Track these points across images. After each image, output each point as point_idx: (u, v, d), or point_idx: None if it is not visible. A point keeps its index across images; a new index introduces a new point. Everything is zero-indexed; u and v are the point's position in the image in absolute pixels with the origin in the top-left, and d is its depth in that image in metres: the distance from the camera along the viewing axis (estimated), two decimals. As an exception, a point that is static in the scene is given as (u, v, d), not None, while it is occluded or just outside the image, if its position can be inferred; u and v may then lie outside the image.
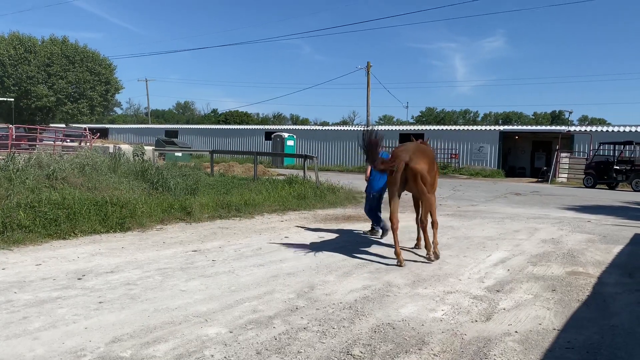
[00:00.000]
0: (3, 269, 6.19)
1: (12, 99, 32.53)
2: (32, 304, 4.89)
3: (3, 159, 13.06)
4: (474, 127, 37.28)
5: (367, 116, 40.95)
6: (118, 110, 65.95)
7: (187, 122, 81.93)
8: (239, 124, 68.13)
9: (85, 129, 28.82)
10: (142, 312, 4.76)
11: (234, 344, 4.06)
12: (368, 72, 39.81)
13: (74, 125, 39.11)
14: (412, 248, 8.26)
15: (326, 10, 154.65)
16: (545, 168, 31.30)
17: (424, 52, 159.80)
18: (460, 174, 32.43)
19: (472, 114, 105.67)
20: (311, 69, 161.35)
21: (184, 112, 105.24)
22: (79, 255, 7.04)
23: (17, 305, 4.86)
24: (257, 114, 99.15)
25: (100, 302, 4.99)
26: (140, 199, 10.72)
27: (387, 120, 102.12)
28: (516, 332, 4.55)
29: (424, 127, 39.05)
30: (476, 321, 4.81)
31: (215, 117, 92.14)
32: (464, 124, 72.12)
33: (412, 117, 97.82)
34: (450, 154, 34.25)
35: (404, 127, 40.36)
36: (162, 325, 4.42)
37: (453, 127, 37.99)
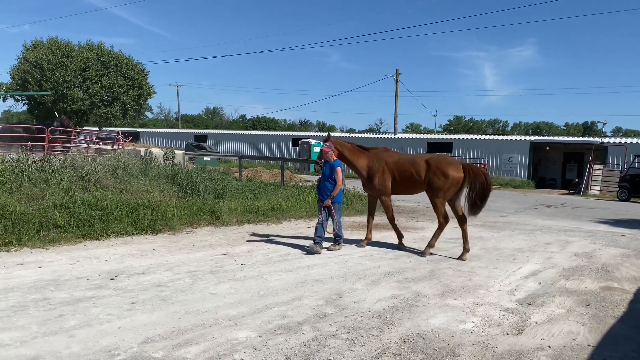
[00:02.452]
0: (39, 267, 6.37)
1: (50, 94, 33.48)
2: (68, 303, 5.02)
3: (39, 160, 13.41)
4: (504, 137, 36.72)
5: (395, 124, 40.81)
6: (149, 115, 67.30)
7: (216, 128, 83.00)
8: (266, 129, 68.72)
9: (118, 132, 29.47)
10: (174, 313, 4.83)
11: (264, 349, 4.08)
12: (397, 79, 39.68)
13: (106, 128, 40.06)
14: (458, 257, 8.28)
15: (355, 19, 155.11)
16: (577, 180, 30.61)
17: (453, 60, 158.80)
18: (488, 184, 31.97)
19: (501, 124, 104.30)
20: (338, 76, 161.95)
21: (213, 118, 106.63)
22: (111, 256, 7.20)
23: (53, 303, 5.00)
24: (284, 120, 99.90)
25: (132, 303, 5.09)
26: (170, 202, 10.89)
27: (414, 128, 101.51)
28: (549, 347, 4.46)
29: (452, 136, 38.68)
30: (507, 334, 4.73)
31: (243, 122, 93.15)
32: (493, 134, 71.15)
33: (440, 126, 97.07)
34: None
35: (432, 136, 40.04)
36: (193, 328, 4.47)
37: (482, 137, 37.50)
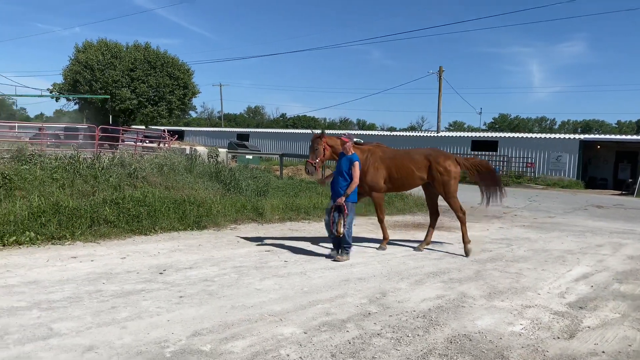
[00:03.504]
0: (92, 261, 6.61)
1: (108, 97, 34.69)
2: (119, 295, 5.19)
3: (90, 157, 13.92)
4: (552, 135, 35.56)
5: (438, 122, 40.20)
6: (193, 114, 68.68)
7: (257, 126, 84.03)
8: (307, 128, 68.99)
9: (163, 130, 30.25)
10: (220, 308, 4.92)
11: (309, 345, 4.10)
12: (440, 76, 39.08)
13: (153, 127, 41.17)
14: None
15: (397, 16, 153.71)
16: (630, 180, 29.31)
17: (498, 56, 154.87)
18: (535, 183, 31.04)
19: (548, 122, 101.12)
20: (380, 74, 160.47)
21: (254, 116, 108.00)
22: (159, 251, 7.39)
23: (105, 295, 5.17)
24: (324, 119, 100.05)
25: (180, 297, 5.21)
26: (215, 198, 11.10)
27: (457, 126, 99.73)
28: (603, 352, 4.29)
29: (497, 134, 37.73)
30: (558, 338, 4.58)
31: (283, 121, 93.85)
32: (540, 132, 69.09)
33: (485, 124, 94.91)
34: (526, 163, 32.86)
35: (476, 134, 39.21)
36: (239, 322, 4.54)
37: (528, 135, 36.41)
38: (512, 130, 70.50)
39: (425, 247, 8.57)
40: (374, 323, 4.72)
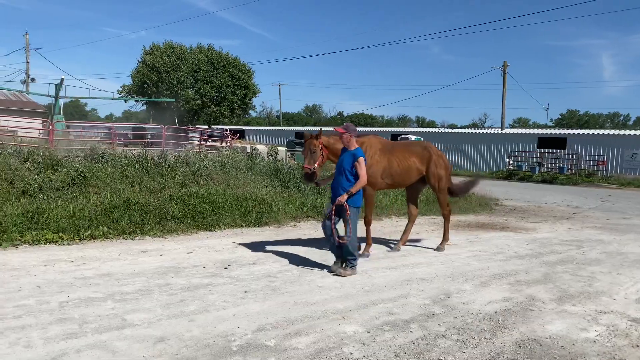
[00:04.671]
0: (161, 255, 6.88)
1: (173, 100, 36.21)
2: (187, 289, 5.36)
3: (157, 156, 14.49)
4: (626, 132, 33.50)
5: (502, 118, 38.93)
6: (252, 113, 70.14)
7: (315, 125, 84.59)
8: (364, 126, 68.69)
9: (225, 130, 31.10)
10: (283, 304, 4.98)
11: (372, 344, 4.07)
12: (504, 71, 37.80)
13: (215, 126, 42.41)
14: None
15: (458, 10, 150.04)
16: None
17: (566, 50, 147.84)
18: (607, 183, 29.38)
19: (621, 117, 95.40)
20: (439, 70, 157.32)
21: (311, 115, 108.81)
22: (223, 246, 7.59)
23: (174, 288, 5.37)
24: (382, 117, 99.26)
25: (245, 292, 5.32)
26: (275, 196, 11.27)
27: (522, 123, 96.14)
28: (690, 364, 3.99)
29: (565, 131, 36.05)
30: (638, 346, 4.31)
31: (340, 119, 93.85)
32: (612, 128, 65.37)
33: (551, 120, 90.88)
34: (597, 161, 31.16)
35: (543, 131, 37.64)
36: (302, 319, 4.58)
37: (600, 132, 34.48)
38: (581, 127, 67.13)
39: (402, 245, 8.05)
40: (438, 324, 4.62)
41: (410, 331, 4.42)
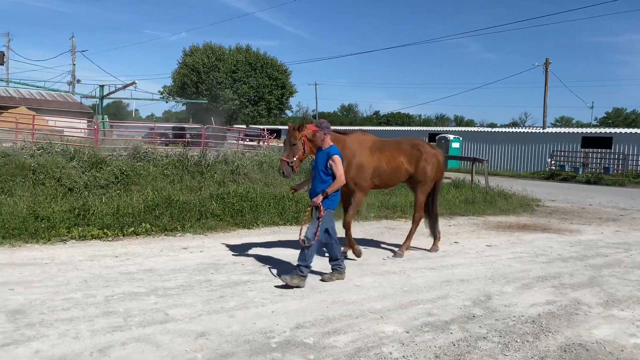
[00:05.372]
0: (201, 252, 7.01)
1: (206, 101, 36.94)
2: (226, 285, 5.44)
3: (197, 155, 14.77)
4: (677, 131, 32.01)
5: (544, 117, 37.89)
6: (289, 113, 70.66)
7: (351, 124, 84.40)
8: (401, 125, 68.16)
9: (262, 129, 31.44)
10: (321, 302, 4.99)
11: (411, 345, 4.03)
12: (546, 69, 36.78)
13: (253, 126, 42.94)
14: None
15: (497, 7, 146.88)
16: None
17: (611, 46, 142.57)
18: (657, 184, 28.14)
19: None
20: (478, 68, 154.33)
21: (347, 114, 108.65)
22: (262, 244, 7.66)
23: (214, 284, 5.46)
24: (419, 116, 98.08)
25: (283, 289, 5.36)
26: (312, 195, 11.29)
27: (565, 122, 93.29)
28: None
29: (611, 130, 34.72)
30: (692, 355, 4.11)
31: (377, 118, 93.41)
32: (662, 127, 62.49)
33: (596, 119, 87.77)
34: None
35: (587, 130, 36.42)
36: (340, 318, 4.58)
37: (649, 131, 33.06)
38: (628, 126, 64.55)
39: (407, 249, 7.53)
40: (479, 326, 4.54)
41: (451, 332, 4.35)
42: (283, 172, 6.12)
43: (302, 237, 5.62)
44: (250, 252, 7.12)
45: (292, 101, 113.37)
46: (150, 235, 7.88)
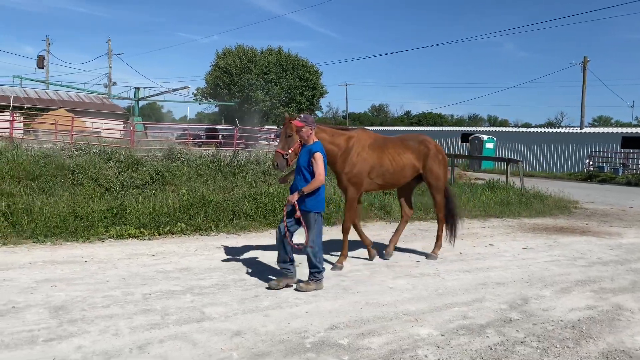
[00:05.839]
0: (235, 251, 7.08)
1: (235, 103, 37.41)
2: (260, 285, 5.49)
3: (229, 156, 14.95)
4: None
5: (582, 117, 36.85)
6: (318, 114, 70.81)
7: (381, 124, 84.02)
8: (432, 125, 67.40)
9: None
10: (355, 303, 4.98)
11: (447, 348, 3.98)
12: (584, 67, 35.79)
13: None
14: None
15: (534, 6, 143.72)
16: None
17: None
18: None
19: None
20: (513, 67, 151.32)
21: (378, 115, 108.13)
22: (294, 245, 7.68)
23: (248, 284, 5.51)
24: (451, 116, 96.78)
25: (316, 290, 5.36)
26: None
27: (603, 121, 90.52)
28: None
29: (652, 130, 33.49)
30: None
31: (408, 119, 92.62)
32: None
33: (637, 119, 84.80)
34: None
35: (628, 130, 35.21)
36: (374, 319, 4.55)
37: (693, 130, 31.78)
38: (671, 125, 62.20)
39: (392, 250, 7.23)
40: (517, 330, 4.45)
41: (487, 336, 4.28)
42: (277, 164, 5.79)
43: (300, 244, 5.43)
44: (283, 252, 7.14)
45: (322, 102, 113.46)
46: (185, 234, 8.01)
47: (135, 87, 37.26)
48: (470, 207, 12.36)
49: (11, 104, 33.22)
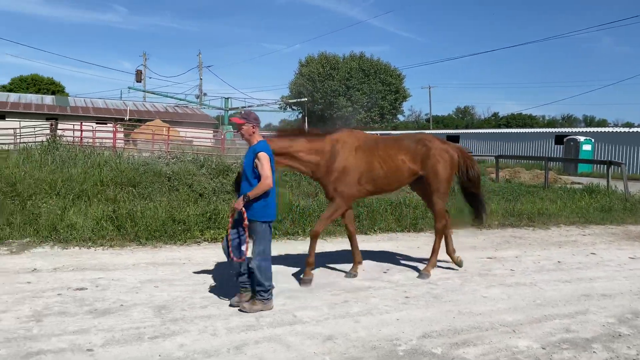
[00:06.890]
0: (322, 256, 7.15)
1: (305, 100, 37.96)
2: (349, 290, 5.50)
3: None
4: None
5: (692, 115, 33.47)
6: (400, 118, 70.10)
7: (467, 127, 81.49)
8: (522, 127, 64.30)
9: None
10: (447, 312, 4.84)
11: (549, 363, 3.76)
12: (695, 61, 32.53)
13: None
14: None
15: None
16: None
17: None
18: None
19: None
20: (611, 63, 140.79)
21: (463, 117, 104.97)
22: (380, 250, 7.64)
23: (337, 288, 5.55)
24: (543, 117, 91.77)
25: (406, 297, 5.29)
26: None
27: None
28: None
29: None
30: None
31: (495, 121, 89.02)
32: None
33: None
34: None
35: None
36: (469, 329, 4.41)
37: None
38: None
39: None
40: (628, 346, 4.11)
41: (594, 351, 3.99)
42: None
43: (232, 253, 4.77)
44: (369, 258, 7.13)
45: (405, 105, 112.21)
46: (274, 238, 8.18)
47: (224, 97, 38.97)
48: (568, 212, 11.63)
49: (127, 117, 35.90)
